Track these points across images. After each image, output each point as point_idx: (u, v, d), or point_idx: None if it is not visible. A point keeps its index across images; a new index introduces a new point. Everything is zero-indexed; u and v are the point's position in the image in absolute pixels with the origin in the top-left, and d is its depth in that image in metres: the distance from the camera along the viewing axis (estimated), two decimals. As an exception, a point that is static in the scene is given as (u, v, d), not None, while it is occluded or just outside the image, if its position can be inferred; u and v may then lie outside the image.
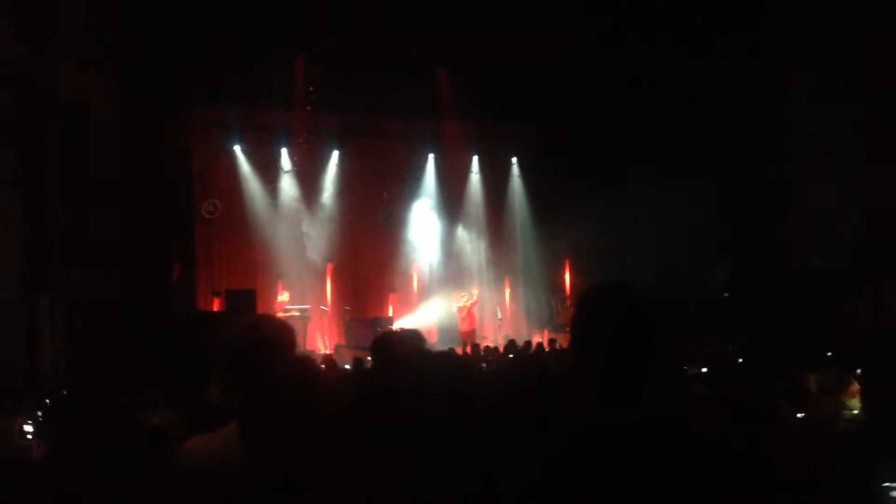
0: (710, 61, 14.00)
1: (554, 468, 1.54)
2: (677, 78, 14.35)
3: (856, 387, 5.45)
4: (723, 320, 13.98)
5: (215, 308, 15.45)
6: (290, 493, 1.24)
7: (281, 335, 2.48)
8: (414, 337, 4.08)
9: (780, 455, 2.58)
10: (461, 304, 16.42)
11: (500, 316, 17.63)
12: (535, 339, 15.10)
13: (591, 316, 1.66)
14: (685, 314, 14.15)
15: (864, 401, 2.76)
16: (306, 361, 1.44)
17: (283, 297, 15.84)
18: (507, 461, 1.56)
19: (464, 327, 16.23)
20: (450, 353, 1.46)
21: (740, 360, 8.86)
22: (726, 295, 15.04)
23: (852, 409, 5.18)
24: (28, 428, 4.56)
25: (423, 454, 1.24)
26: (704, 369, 7.76)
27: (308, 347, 15.47)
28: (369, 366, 7.04)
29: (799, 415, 4.78)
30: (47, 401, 6.51)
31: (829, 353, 9.02)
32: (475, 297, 16.63)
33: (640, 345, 1.62)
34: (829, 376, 5.21)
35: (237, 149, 16.54)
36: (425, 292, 18.03)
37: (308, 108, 15.96)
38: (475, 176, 18.68)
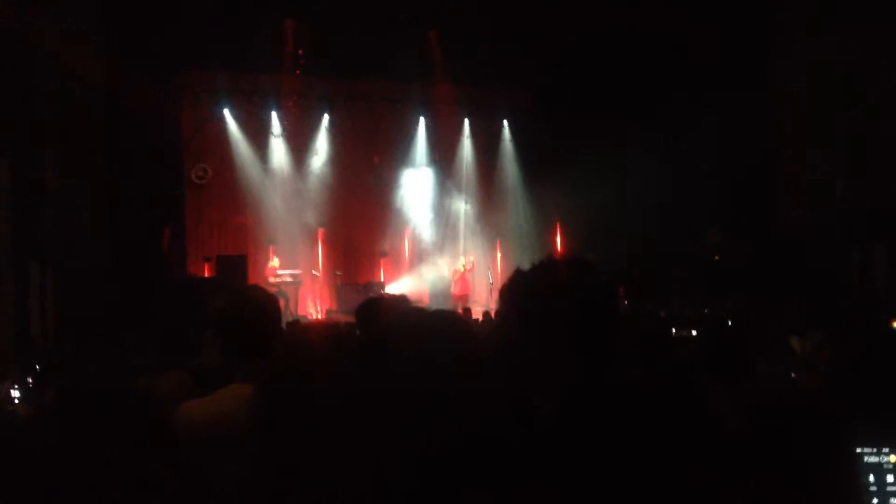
0: (703, 25, 13.89)
1: (544, 432, 1.56)
2: (672, 42, 14.24)
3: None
4: (713, 284, 14.04)
5: (206, 274, 15.44)
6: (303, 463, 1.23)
7: (269, 304, 2.54)
8: (401, 302, 4.07)
9: (751, 417, 2.60)
10: (457, 268, 16.58)
11: (490, 280, 17.66)
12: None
13: (547, 288, 1.67)
14: (676, 277, 14.23)
15: (831, 366, 2.77)
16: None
17: (274, 262, 15.82)
18: (504, 425, 1.57)
19: (456, 291, 16.38)
20: (447, 312, 1.43)
21: (729, 322, 8.90)
22: (717, 258, 15.07)
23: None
24: (15, 393, 4.56)
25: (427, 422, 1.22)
26: (694, 332, 7.81)
27: (299, 313, 15.49)
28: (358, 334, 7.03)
29: (792, 374, 4.82)
30: (37, 366, 6.50)
31: (822, 315, 9.07)
32: (472, 264, 16.80)
33: (598, 312, 1.64)
34: (812, 338, 5.25)
35: (227, 113, 16.42)
36: (417, 256, 18.02)
37: (297, 71, 15.83)
38: (466, 139, 18.60)
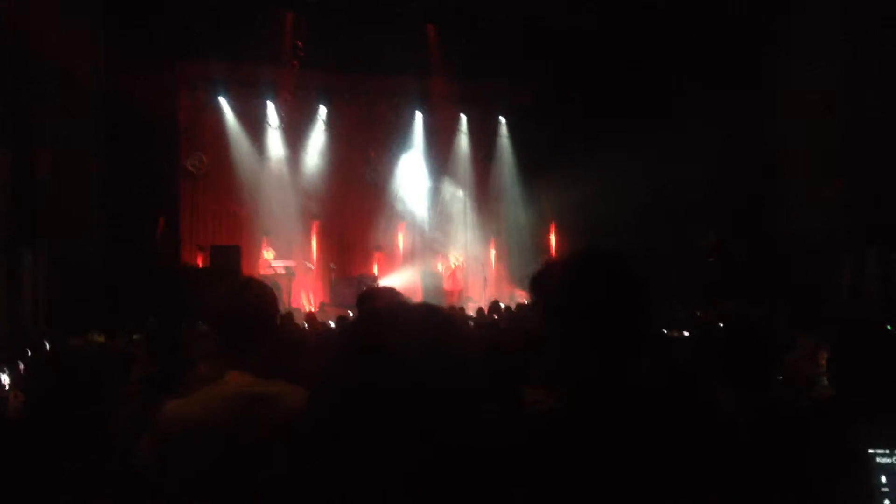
0: (702, 26, 13.89)
1: (542, 430, 1.57)
2: (671, 40, 14.25)
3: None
4: (707, 285, 14.06)
5: (199, 263, 15.40)
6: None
7: (266, 296, 2.54)
8: (393, 295, 4.12)
9: (761, 420, 2.61)
10: (448, 265, 16.69)
11: (486, 277, 17.68)
12: (520, 301, 15.13)
13: (578, 282, 1.66)
14: (669, 278, 14.25)
15: (829, 371, 2.78)
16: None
17: (268, 253, 15.78)
18: (495, 422, 1.56)
19: (447, 286, 16.44)
20: (433, 306, 1.40)
21: (721, 324, 8.91)
22: (712, 260, 15.10)
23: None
24: (5, 378, 4.54)
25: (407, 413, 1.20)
26: (686, 333, 7.82)
27: (293, 305, 15.45)
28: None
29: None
30: (28, 351, 6.49)
31: (810, 320, 9.09)
32: (460, 262, 16.90)
33: (627, 310, 1.63)
34: (804, 343, 5.27)
35: (224, 103, 16.37)
36: (411, 251, 18.01)
37: (295, 63, 15.79)
38: (463, 135, 18.57)
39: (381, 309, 1.35)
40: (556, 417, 1.58)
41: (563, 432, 1.53)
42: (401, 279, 16.82)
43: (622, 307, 1.63)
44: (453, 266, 16.71)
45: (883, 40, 11.48)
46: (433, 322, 1.30)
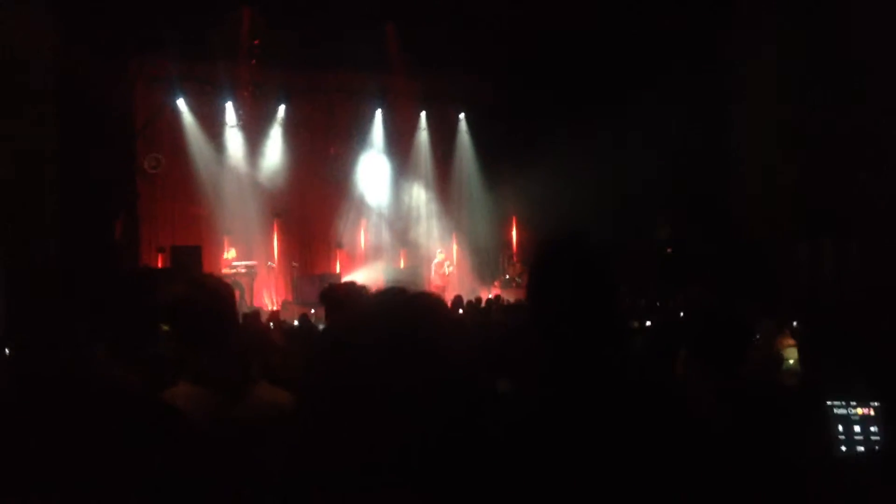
0: (658, 18, 14.03)
1: (517, 423, 1.58)
2: (628, 34, 14.38)
3: (790, 340, 5.64)
4: (666, 276, 14.24)
5: (159, 264, 15.23)
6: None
7: (225, 294, 2.53)
8: (356, 289, 4.13)
9: (728, 407, 2.67)
10: (438, 261, 16.81)
11: (447, 272, 17.75)
12: (483, 295, 15.21)
13: (551, 269, 1.67)
14: (628, 269, 14.41)
15: (801, 355, 2.90)
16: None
17: (230, 253, 15.66)
18: (472, 414, 1.56)
19: (436, 282, 16.57)
20: (409, 293, 1.37)
21: (681, 314, 9.05)
22: (669, 250, 15.29)
23: (788, 360, 5.36)
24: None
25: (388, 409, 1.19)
26: (648, 323, 7.95)
27: (255, 304, 15.36)
28: (322, 319, 7.02)
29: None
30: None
31: (768, 308, 9.26)
32: (443, 258, 17.09)
33: (599, 298, 1.64)
34: (764, 328, 5.37)
35: (181, 102, 16.19)
36: (373, 248, 18.02)
37: (253, 61, 15.66)
38: (423, 131, 18.60)
39: (363, 307, 1.34)
40: (531, 409, 1.60)
41: (539, 424, 1.54)
42: (363, 276, 16.80)
43: (597, 296, 1.64)
44: (442, 261, 16.99)
45: (836, 28, 11.70)
46: (420, 310, 1.29)
